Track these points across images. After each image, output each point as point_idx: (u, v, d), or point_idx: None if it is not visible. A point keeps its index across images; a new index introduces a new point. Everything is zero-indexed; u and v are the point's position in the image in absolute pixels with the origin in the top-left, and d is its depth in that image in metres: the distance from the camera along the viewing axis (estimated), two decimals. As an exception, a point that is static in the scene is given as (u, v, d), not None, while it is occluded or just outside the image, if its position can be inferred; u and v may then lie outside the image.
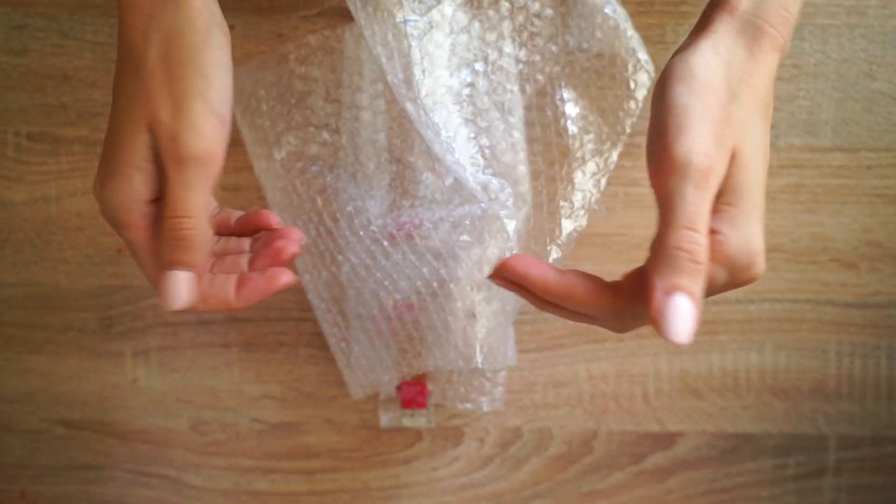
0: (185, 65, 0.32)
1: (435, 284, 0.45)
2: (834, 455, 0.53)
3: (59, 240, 0.52)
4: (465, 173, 0.44)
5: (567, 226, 0.48)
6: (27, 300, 0.53)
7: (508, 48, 0.46)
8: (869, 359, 0.52)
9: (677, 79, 0.33)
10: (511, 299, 0.47)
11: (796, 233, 0.51)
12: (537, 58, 0.47)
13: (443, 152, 0.44)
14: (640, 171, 0.50)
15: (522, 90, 0.47)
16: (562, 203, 0.48)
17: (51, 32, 0.50)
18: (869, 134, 0.50)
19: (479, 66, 0.46)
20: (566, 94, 0.48)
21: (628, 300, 0.33)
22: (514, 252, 0.45)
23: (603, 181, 0.48)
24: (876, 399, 0.53)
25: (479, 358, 0.46)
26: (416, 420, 0.52)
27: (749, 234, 0.32)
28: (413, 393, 0.51)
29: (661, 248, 0.30)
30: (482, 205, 0.44)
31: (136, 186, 0.33)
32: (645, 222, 0.51)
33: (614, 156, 0.48)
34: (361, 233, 0.47)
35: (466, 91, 0.46)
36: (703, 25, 0.34)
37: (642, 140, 0.51)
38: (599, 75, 0.48)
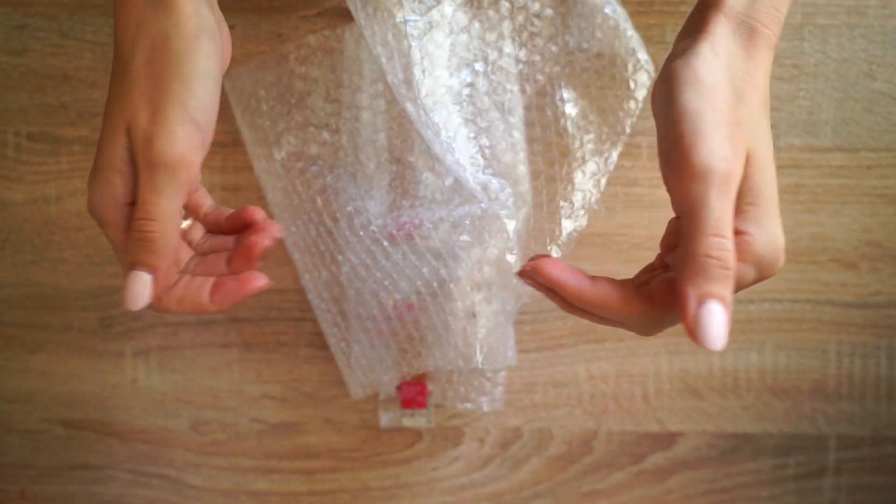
0: (167, 71, 0.32)
1: (435, 284, 0.45)
2: (834, 455, 0.53)
3: (59, 240, 0.52)
4: (465, 173, 0.44)
5: (567, 226, 0.48)
6: (27, 300, 0.53)
7: (508, 48, 0.46)
8: (869, 359, 0.52)
9: (684, 84, 0.33)
10: (511, 299, 0.47)
11: (796, 233, 0.51)
12: (537, 58, 0.47)
13: (443, 152, 0.44)
14: (640, 171, 0.50)
15: (522, 90, 0.47)
16: (562, 203, 0.48)
17: (51, 32, 0.50)
18: (869, 134, 0.50)
19: (479, 66, 0.46)
20: (566, 94, 0.48)
21: (663, 309, 0.33)
22: (515, 252, 0.45)
23: (603, 181, 0.48)
24: (876, 399, 0.53)
25: (479, 358, 0.46)
26: (416, 420, 0.52)
27: (773, 231, 0.32)
28: (413, 393, 0.51)
29: (690, 257, 0.31)
30: (482, 205, 0.44)
31: (117, 188, 0.33)
32: (645, 222, 0.51)
33: (614, 156, 0.48)
34: (361, 233, 0.47)
35: (466, 91, 0.46)
36: (697, 27, 0.34)
37: (642, 140, 0.51)
38: (599, 75, 0.48)
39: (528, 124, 0.48)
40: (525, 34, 0.47)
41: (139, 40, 0.33)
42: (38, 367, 0.53)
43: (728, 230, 0.31)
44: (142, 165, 0.32)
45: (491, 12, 0.46)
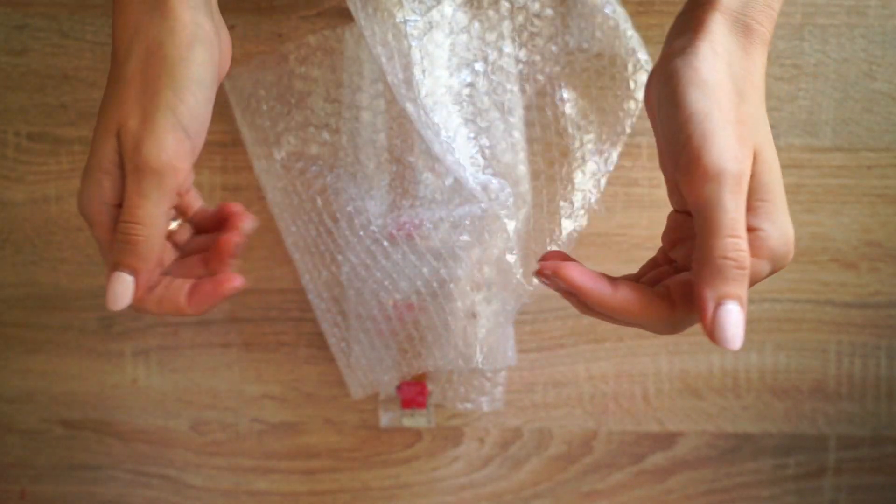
0: (159, 77, 0.33)
1: (435, 284, 0.45)
2: (834, 455, 0.53)
3: (59, 240, 0.52)
4: (465, 173, 0.44)
5: (567, 226, 0.48)
6: (27, 300, 0.53)
7: (508, 48, 0.46)
8: (869, 359, 0.52)
9: (688, 84, 0.32)
10: (511, 299, 0.47)
11: (796, 233, 0.50)
12: (537, 58, 0.47)
13: (443, 152, 0.44)
14: (640, 171, 0.50)
15: (522, 90, 0.47)
16: (562, 203, 0.48)
17: (51, 32, 0.50)
18: (869, 134, 0.50)
19: (479, 66, 0.46)
20: (566, 94, 0.48)
21: (683, 311, 0.33)
22: (515, 252, 0.45)
23: (603, 181, 0.48)
24: (876, 399, 0.53)
25: (479, 358, 0.46)
26: (416, 420, 0.52)
27: (784, 225, 0.33)
28: (413, 393, 0.51)
29: (707, 259, 0.31)
30: (482, 205, 0.44)
31: (105, 189, 0.33)
32: (645, 222, 0.51)
33: (614, 156, 0.48)
34: (361, 233, 0.47)
35: (466, 91, 0.46)
36: (692, 25, 0.34)
37: (642, 140, 0.51)
38: (599, 75, 0.48)
39: (528, 124, 0.48)
40: (525, 34, 0.47)
41: (135, 45, 0.33)
42: (38, 367, 0.53)
43: (742, 230, 0.31)
44: (129, 169, 0.33)
45: (491, 12, 0.46)
